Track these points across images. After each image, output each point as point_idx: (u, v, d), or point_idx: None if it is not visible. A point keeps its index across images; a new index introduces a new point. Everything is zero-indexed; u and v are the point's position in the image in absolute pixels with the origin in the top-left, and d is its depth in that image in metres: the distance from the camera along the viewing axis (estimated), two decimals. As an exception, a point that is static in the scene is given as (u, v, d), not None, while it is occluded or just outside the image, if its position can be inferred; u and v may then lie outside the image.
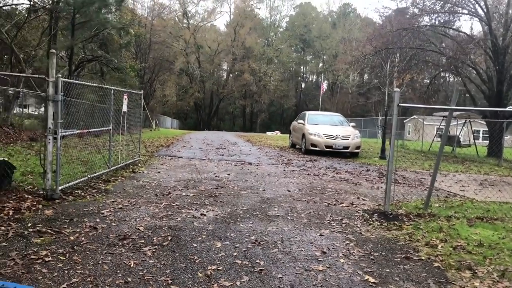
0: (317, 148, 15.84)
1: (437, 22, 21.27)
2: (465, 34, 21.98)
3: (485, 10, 19.31)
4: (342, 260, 4.46)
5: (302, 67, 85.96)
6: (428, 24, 21.17)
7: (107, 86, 7.98)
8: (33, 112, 23.81)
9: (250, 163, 12.34)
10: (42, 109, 24.50)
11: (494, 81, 20.02)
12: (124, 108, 8.87)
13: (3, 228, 4.75)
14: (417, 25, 20.35)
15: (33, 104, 25.09)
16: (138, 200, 6.56)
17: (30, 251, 4.18)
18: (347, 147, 15.80)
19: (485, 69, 21.15)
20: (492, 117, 19.04)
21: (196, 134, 29.50)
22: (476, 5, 19.91)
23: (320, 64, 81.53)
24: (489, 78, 20.67)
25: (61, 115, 6.02)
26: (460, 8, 20.50)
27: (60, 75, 5.85)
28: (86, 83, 7.23)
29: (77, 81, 6.67)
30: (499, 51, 18.99)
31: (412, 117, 43.07)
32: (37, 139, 13.74)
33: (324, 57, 77.48)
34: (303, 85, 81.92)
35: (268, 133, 44.90)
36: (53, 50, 5.83)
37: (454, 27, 22.32)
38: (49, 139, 5.93)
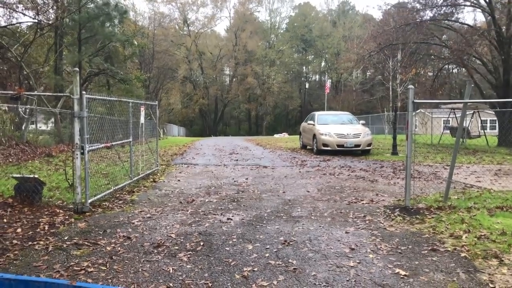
0: (328, 148, 15.97)
1: (439, 16, 21.31)
2: (468, 26, 22.00)
3: (487, 0, 19.37)
4: (371, 256, 4.61)
5: (304, 67, 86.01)
6: (431, 18, 21.24)
7: (126, 99, 8.18)
8: (45, 128, 24.09)
9: (265, 166, 12.51)
10: (51, 124, 24.81)
11: (501, 70, 20.05)
12: (142, 120, 9.08)
13: (42, 242, 4.93)
14: (419, 20, 20.43)
15: (41, 120, 25.40)
16: (165, 209, 6.75)
17: (72, 263, 4.36)
18: (358, 145, 15.92)
19: (490, 59, 21.19)
20: (501, 107, 19.08)
21: (205, 141, 29.71)
22: (478, -4, 20.01)
23: (323, 63, 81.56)
24: (495, 68, 20.71)
25: (87, 131, 6.22)
26: (462, 0, 20.56)
27: (84, 92, 6.05)
28: (107, 97, 7.43)
29: (99, 97, 6.88)
30: (504, 41, 19.03)
31: (418, 110, 43.01)
32: (53, 155, 13.97)
33: (326, 56, 77.53)
34: (307, 85, 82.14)
35: (276, 136, 45.04)
36: (76, 69, 6.03)
37: (457, 19, 22.34)
38: (77, 154, 6.12)
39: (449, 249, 4.77)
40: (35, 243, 4.90)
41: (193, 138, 39.16)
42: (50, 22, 23.12)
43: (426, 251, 4.72)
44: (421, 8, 20.90)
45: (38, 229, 5.40)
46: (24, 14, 22.74)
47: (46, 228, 5.47)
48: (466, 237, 5.12)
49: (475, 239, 5.04)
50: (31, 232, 5.27)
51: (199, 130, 73.84)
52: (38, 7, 21.64)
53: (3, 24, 23.00)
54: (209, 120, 75.65)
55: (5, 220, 5.73)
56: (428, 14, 21.50)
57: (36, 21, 22.48)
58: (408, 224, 5.82)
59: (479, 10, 21.09)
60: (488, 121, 37.83)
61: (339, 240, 5.13)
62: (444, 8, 20.90)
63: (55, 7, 22.81)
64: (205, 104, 71.40)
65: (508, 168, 12.03)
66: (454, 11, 21.77)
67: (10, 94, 6.59)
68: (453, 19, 21.92)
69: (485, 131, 21.50)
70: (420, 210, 6.46)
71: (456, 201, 7.07)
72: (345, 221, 6.06)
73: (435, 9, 20.79)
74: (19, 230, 5.34)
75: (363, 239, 5.18)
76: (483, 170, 11.42)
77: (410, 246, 4.89)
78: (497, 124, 24.54)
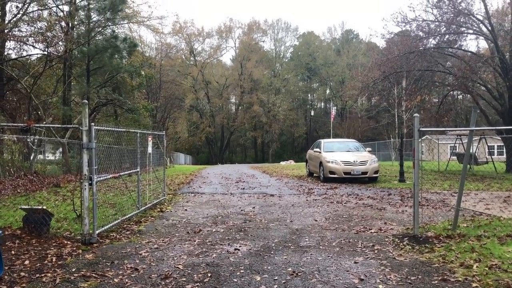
0: (335, 175, 15.94)
1: (443, 43, 21.54)
2: (472, 53, 22.18)
3: (489, 28, 19.57)
4: (380, 286, 4.54)
5: (309, 95, 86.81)
6: (434, 46, 21.46)
7: (134, 130, 8.28)
8: (53, 158, 24.26)
9: (272, 195, 12.49)
10: (58, 154, 24.98)
11: (506, 96, 20.09)
12: (150, 150, 9.16)
13: (49, 274, 4.92)
14: (423, 48, 20.65)
15: (49, 150, 25.64)
16: (172, 239, 6.73)
17: (79, 296, 4.34)
18: (365, 173, 15.88)
19: (495, 85, 21.26)
20: (508, 133, 19.03)
21: (211, 169, 29.74)
22: (481, 24, 20.20)
23: (328, 91, 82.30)
24: (500, 94, 20.76)
25: (96, 162, 6.28)
26: (465, 29, 20.80)
27: (93, 123, 6.14)
28: (116, 129, 7.53)
29: (108, 128, 6.97)
30: (508, 67, 19.13)
31: (425, 137, 43.01)
32: (61, 186, 14.03)
33: (331, 83, 78.28)
34: (312, 113, 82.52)
35: (282, 163, 45.03)
36: (85, 101, 6.15)
37: (460, 46, 22.55)
38: (85, 185, 6.16)
39: (459, 279, 4.70)
40: (42, 275, 4.88)
41: (199, 166, 39.23)
42: (59, 54, 23.62)
43: (436, 281, 4.65)
44: (424, 36, 21.14)
45: (46, 261, 5.40)
46: (34, 47, 23.21)
47: (54, 260, 5.46)
48: (477, 267, 5.04)
49: (486, 268, 4.97)
50: (38, 264, 5.27)
51: (206, 158, 74.08)
52: (48, 40, 22.14)
53: (13, 56, 23.52)
54: (216, 148, 75.97)
55: (13, 252, 5.74)
56: (432, 42, 21.75)
57: (46, 53, 22.99)
58: (417, 253, 5.76)
59: (482, 37, 21.30)
60: (496, 147, 37.65)
61: (348, 271, 5.08)
62: (447, 36, 21.14)
63: (64, 40, 23.33)
64: (211, 132, 71.86)
65: (517, 194, 11.91)
66: (457, 38, 22.01)
67: (21, 126, 6.70)
68: (456, 46, 22.14)
69: (492, 157, 21.38)
70: (429, 239, 6.39)
71: (465, 229, 7.00)
72: (354, 250, 6.01)
73: (438, 37, 21.03)
74: (27, 262, 5.33)
75: (372, 269, 5.13)
76: (492, 197, 11.32)
77: (420, 276, 4.83)
78: (504, 150, 24.44)
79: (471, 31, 20.98)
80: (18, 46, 23.38)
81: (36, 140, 17.98)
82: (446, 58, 23.62)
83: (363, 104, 67.11)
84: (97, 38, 24.66)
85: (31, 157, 18.14)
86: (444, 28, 20.57)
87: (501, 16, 21.35)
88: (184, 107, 66.25)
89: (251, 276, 4.92)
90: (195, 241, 6.60)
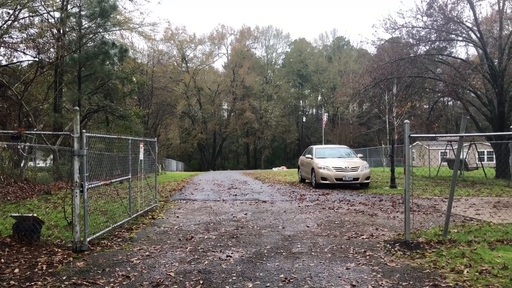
0: (327, 182, 15.99)
1: (433, 50, 21.75)
2: (462, 60, 22.41)
3: (478, 35, 19.81)
4: (372, 292, 4.57)
5: (301, 101, 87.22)
6: (425, 52, 21.66)
7: (125, 137, 8.26)
8: (43, 165, 24.06)
9: (264, 201, 12.49)
10: (49, 161, 24.78)
11: (495, 103, 20.30)
12: (141, 157, 9.13)
13: (39, 283, 4.88)
14: (413, 55, 20.83)
15: (40, 157, 25.41)
16: (164, 246, 6.70)
17: (70, 304, 4.30)
18: (357, 179, 15.95)
19: (484, 92, 21.49)
20: (497, 139, 19.22)
21: (203, 175, 29.66)
22: (470, 32, 20.44)
23: (319, 97, 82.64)
24: (489, 101, 20.97)
25: (87, 169, 6.26)
26: (454, 36, 21.03)
27: (84, 131, 6.13)
28: (107, 136, 7.51)
29: (99, 135, 6.95)
30: (497, 74, 19.36)
31: (415, 143, 43.29)
32: (52, 193, 13.92)
33: (323, 90, 78.65)
34: (304, 119, 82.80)
35: (275, 169, 45.03)
36: (77, 108, 6.14)
37: (450, 53, 22.79)
38: (76, 192, 6.13)
39: (450, 284, 4.73)
40: (33, 283, 4.84)
41: (191, 173, 39.09)
42: (51, 61, 23.48)
43: (427, 287, 4.68)
44: (415, 43, 21.34)
45: (36, 269, 5.35)
46: (25, 53, 23.04)
47: (44, 268, 5.41)
48: (467, 272, 5.08)
49: (477, 273, 5.01)
50: (28, 273, 5.22)
51: (198, 165, 73.88)
52: (39, 47, 22.02)
53: (4, 63, 23.35)
54: (208, 154, 75.81)
55: (2, 260, 5.68)
56: (422, 49, 21.94)
57: (37, 59, 22.84)
58: (408, 259, 5.79)
59: (471, 44, 21.55)
60: (485, 153, 37.97)
61: (340, 277, 5.09)
62: (437, 43, 21.34)
63: (55, 46, 23.21)
64: (203, 139, 71.70)
65: (507, 200, 12.04)
66: (447, 45, 22.23)
67: (11, 133, 6.66)
68: (446, 53, 22.35)
69: (482, 162, 21.55)
70: (420, 245, 6.43)
71: (456, 234, 7.05)
72: (346, 256, 6.03)
73: (428, 44, 21.22)
74: (16, 270, 5.28)
75: (364, 275, 5.14)
76: (482, 203, 11.42)
77: (411, 282, 4.85)
78: (494, 156, 24.67)
79: (460, 38, 21.23)
80: (9, 52, 23.22)
81: (26, 147, 17.82)
82: (436, 65, 23.84)
83: (355, 111, 67.38)
84: (88, 45, 24.58)
85: (22, 164, 17.97)
86: (435, 35, 20.79)
87: (490, 23, 21.57)
88: (176, 114, 66.11)
89: (243, 283, 4.91)
90: (187, 248, 6.58)
